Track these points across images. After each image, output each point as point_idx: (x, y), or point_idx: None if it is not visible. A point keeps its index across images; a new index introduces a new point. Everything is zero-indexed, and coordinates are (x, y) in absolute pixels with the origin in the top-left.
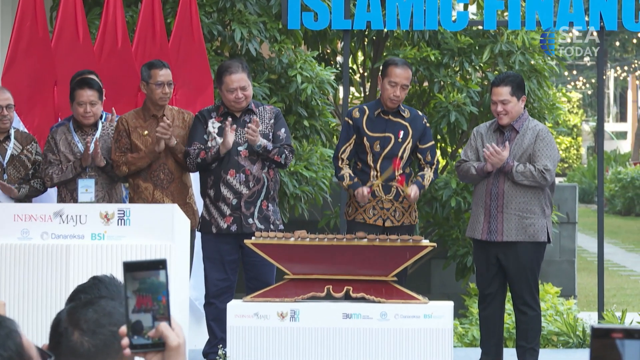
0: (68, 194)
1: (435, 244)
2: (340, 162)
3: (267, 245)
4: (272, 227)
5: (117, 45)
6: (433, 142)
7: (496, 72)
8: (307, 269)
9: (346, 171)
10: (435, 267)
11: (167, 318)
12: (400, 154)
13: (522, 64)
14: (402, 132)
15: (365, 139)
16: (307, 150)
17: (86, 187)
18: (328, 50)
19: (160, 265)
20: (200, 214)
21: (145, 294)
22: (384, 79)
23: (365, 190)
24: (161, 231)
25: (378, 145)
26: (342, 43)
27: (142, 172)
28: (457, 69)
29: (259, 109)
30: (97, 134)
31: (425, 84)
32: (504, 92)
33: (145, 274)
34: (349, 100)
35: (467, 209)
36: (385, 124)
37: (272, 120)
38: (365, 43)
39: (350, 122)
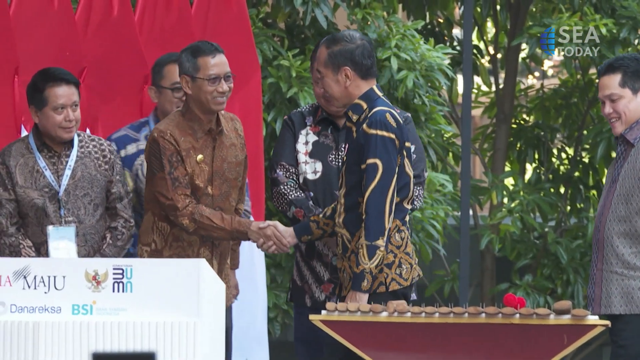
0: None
1: (609, 322)
2: None
3: (345, 323)
4: None
5: (112, 13)
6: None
7: None
8: (405, 359)
9: None
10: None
11: None
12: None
13: None
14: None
15: None
16: None
17: (62, 237)
18: (440, 20)
19: None
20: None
21: None
22: None
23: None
24: (180, 300)
25: None
26: (462, 8)
27: None
28: None
29: None
30: (73, 156)
31: (592, 70)
32: (609, 83)
33: None
34: (474, 96)
35: None
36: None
37: None
38: (498, 8)
39: None
